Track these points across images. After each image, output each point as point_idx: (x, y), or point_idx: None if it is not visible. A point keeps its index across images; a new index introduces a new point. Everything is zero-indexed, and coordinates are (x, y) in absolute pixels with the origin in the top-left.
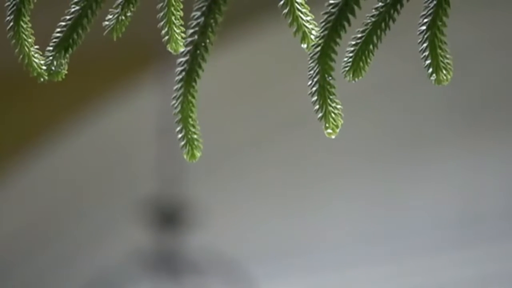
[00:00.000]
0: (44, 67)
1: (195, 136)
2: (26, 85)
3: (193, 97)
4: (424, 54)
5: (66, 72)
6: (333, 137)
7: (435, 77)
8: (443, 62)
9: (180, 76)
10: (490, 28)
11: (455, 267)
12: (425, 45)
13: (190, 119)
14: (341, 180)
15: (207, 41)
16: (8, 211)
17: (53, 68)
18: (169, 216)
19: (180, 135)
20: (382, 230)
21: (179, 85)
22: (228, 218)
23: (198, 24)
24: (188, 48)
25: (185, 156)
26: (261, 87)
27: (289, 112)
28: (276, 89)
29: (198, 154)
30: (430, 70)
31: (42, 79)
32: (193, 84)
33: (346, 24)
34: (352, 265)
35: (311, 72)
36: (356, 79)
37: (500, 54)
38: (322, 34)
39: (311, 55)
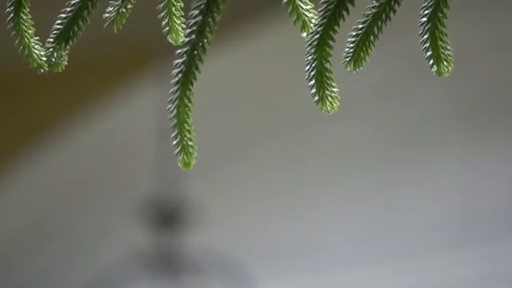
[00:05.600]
0: (44, 59)
1: (190, 143)
2: (27, 85)
3: (189, 100)
4: (425, 45)
5: (66, 63)
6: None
7: (436, 68)
8: (443, 54)
9: (177, 78)
10: (490, 28)
11: (455, 267)
12: (425, 36)
13: (186, 124)
14: (341, 180)
15: (205, 40)
16: (8, 211)
17: (53, 59)
18: (168, 216)
19: (175, 141)
20: (382, 230)
21: (176, 87)
22: (227, 217)
23: (196, 23)
24: (186, 48)
25: (179, 164)
26: (262, 88)
27: (289, 113)
28: (276, 89)
29: (193, 161)
30: (431, 61)
31: (42, 70)
32: (190, 86)
33: (345, 13)
34: (352, 265)
35: (309, 57)
36: (357, 70)
37: (500, 55)
38: (320, 22)
39: (309, 42)
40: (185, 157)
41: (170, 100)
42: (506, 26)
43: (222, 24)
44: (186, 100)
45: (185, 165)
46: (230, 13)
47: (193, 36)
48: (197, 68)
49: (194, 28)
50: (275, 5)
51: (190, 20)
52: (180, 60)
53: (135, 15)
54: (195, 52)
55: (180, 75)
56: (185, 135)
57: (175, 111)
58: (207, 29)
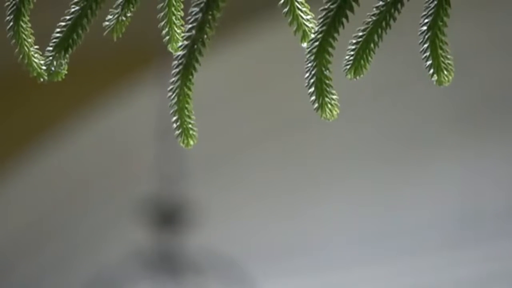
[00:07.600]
0: (44, 67)
1: (190, 126)
2: (27, 85)
3: (190, 89)
4: (425, 54)
5: (66, 72)
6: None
7: (436, 78)
8: (444, 63)
9: (177, 70)
10: (490, 28)
11: (455, 267)
12: (426, 45)
13: (185, 110)
14: (341, 180)
15: (205, 36)
16: (8, 211)
17: (53, 68)
18: (168, 216)
19: (175, 125)
20: (382, 230)
21: (176, 78)
22: (227, 218)
23: (196, 20)
24: (186, 43)
25: (180, 144)
26: (261, 87)
27: (289, 113)
28: (276, 89)
29: (192, 142)
30: (431, 71)
31: (42, 79)
32: (190, 77)
33: (344, 20)
34: (351, 265)
35: (309, 65)
36: (357, 78)
37: (500, 54)
38: (320, 30)
39: (309, 49)
40: (185, 138)
41: (170, 89)
42: (506, 26)
43: (222, 24)
44: (186, 89)
45: (186, 145)
46: (230, 13)
47: (193, 32)
48: (197, 61)
49: (194, 24)
50: (275, 5)
51: (190, 17)
52: (181, 53)
53: (135, 15)
54: (195, 46)
55: (180, 67)
56: (185, 120)
57: (175, 99)
58: (207, 25)
